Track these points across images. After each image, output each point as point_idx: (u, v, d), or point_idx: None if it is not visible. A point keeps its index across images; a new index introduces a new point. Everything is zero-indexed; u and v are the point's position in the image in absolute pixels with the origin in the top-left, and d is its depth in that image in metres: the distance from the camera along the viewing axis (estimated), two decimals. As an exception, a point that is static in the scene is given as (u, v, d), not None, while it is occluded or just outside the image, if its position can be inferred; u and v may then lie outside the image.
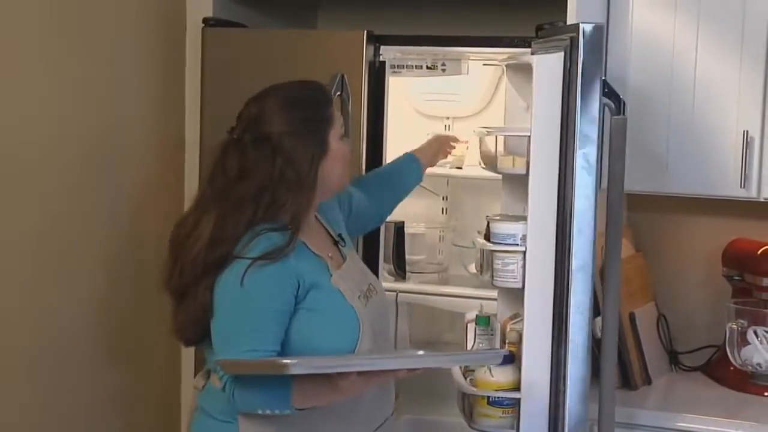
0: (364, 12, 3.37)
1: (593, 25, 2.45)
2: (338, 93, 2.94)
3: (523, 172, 2.49)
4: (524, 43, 2.91)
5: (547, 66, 2.44)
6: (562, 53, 2.45)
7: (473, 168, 3.44)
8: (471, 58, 3.31)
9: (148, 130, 3.25)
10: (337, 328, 2.33)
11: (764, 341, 3.06)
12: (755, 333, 3.06)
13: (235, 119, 2.41)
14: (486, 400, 2.53)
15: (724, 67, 3.04)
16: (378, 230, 3.05)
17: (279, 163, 2.31)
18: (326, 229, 2.53)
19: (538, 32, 2.84)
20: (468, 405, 2.65)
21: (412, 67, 3.24)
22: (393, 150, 3.08)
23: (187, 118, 3.34)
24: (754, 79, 3.02)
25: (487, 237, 2.60)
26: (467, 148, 3.45)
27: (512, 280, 2.49)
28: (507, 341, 2.59)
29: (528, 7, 2.92)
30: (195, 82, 3.24)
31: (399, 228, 3.31)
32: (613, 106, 2.52)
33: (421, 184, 3.15)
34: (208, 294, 2.30)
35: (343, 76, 2.95)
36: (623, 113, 2.57)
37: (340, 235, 2.54)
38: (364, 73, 2.99)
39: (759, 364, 3.06)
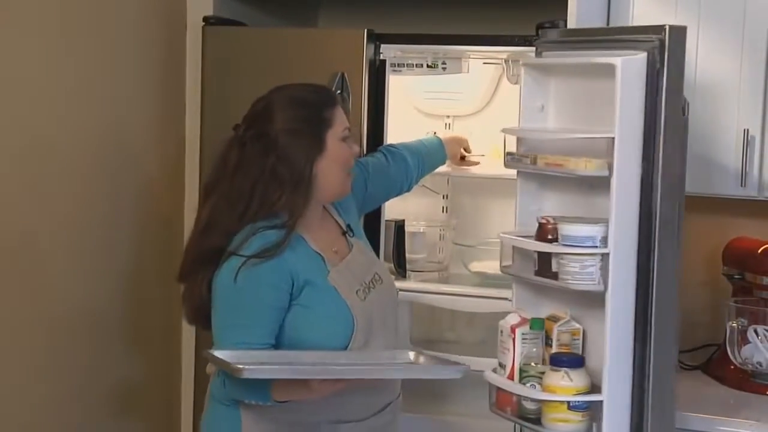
0: (364, 10, 3.37)
1: (678, 26, 2.50)
2: (339, 91, 2.94)
3: (602, 173, 2.49)
4: (525, 41, 2.91)
5: (633, 67, 2.47)
6: (645, 54, 2.48)
7: (473, 167, 3.44)
8: (471, 56, 3.31)
9: (149, 127, 3.25)
10: (330, 326, 2.40)
11: (764, 340, 3.05)
12: (755, 332, 3.06)
13: (242, 118, 2.47)
14: (567, 405, 2.53)
15: (725, 66, 3.04)
16: (378, 228, 3.06)
17: (272, 159, 2.37)
18: (335, 219, 2.57)
19: (538, 31, 2.84)
20: (528, 411, 2.63)
21: (413, 66, 3.24)
22: (393, 148, 3.08)
23: (187, 117, 3.34)
24: (754, 78, 3.02)
25: (542, 238, 2.60)
26: (483, 155, 3.44)
27: (591, 282, 2.50)
28: (559, 343, 2.59)
29: (528, 5, 2.92)
30: (195, 81, 3.25)
31: (399, 226, 3.31)
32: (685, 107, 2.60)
33: (422, 183, 3.16)
34: (205, 287, 2.40)
35: (343, 75, 2.96)
36: (686, 114, 2.62)
37: (348, 225, 2.58)
38: (365, 72, 3.00)
39: (759, 363, 3.06)
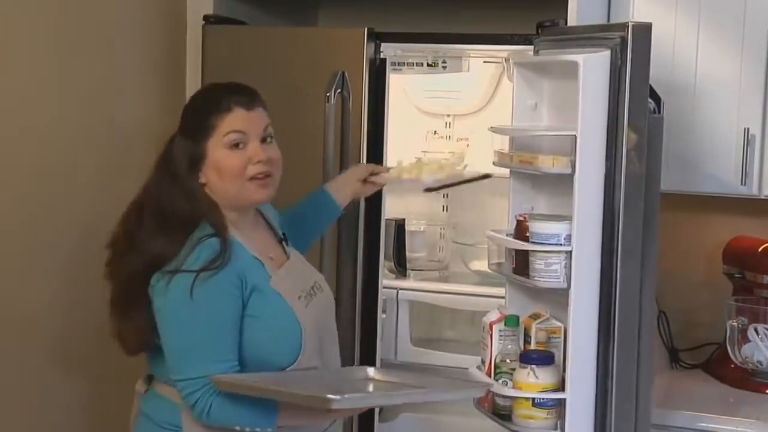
0: (364, 9, 3.36)
1: (642, 23, 2.48)
2: (339, 90, 2.94)
3: (566, 171, 2.49)
4: (525, 40, 2.91)
5: (596, 65, 2.45)
6: (609, 52, 2.47)
7: (473, 166, 3.44)
8: (472, 55, 3.31)
9: (149, 127, 3.25)
10: (280, 334, 2.31)
11: (765, 339, 3.06)
12: (756, 330, 3.07)
13: None
14: (531, 402, 2.54)
15: (725, 65, 3.04)
16: (379, 227, 3.05)
17: (161, 169, 2.38)
18: (271, 227, 2.50)
19: (538, 30, 2.84)
20: (499, 407, 2.63)
21: (413, 65, 3.24)
22: (393, 147, 3.07)
23: (187, 116, 3.34)
24: (754, 77, 3.02)
25: (520, 236, 2.60)
26: (467, 146, 3.45)
27: (555, 280, 2.50)
28: (536, 341, 2.59)
29: (528, 4, 2.92)
30: (195, 80, 3.24)
31: (400, 225, 3.31)
32: (654, 105, 2.56)
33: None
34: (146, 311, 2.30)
35: (343, 74, 2.95)
36: (660, 112, 2.60)
37: (284, 234, 2.52)
38: (365, 71, 2.99)
39: (759, 362, 3.06)
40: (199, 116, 2.36)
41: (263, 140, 2.37)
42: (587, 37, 2.61)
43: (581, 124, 2.47)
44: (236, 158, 2.33)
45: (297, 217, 2.68)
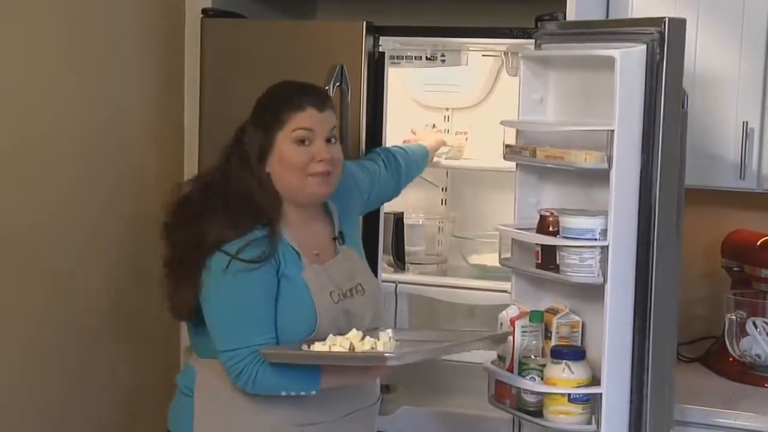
0: (363, 3, 3.35)
1: (677, 18, 2.51)
2: (338, 84, 2.93)
3: (601, 166, 2.49)
4: (524, 34, 2.90)
5: (631, 60, 2.47)
6: (645, 47, 2.48)
7: (473, 159, 3.44)
8: (470, 48, 3.30)
9: (148, 120, 3.25)
10: (293, 321, 2.41)
11: (763, 332, 3.06)
12: (754, 324, 3.07)
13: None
14: (567, 398, 2.54)
15: (724, 59, 3.04)
16: (377, 221, 3.05)
17: (235, 158, 2.48)
18: (332, 223, 2.58)
19: (537, 23, 2.84)
20: (527, 403, 2.63)
21: (412, 58, 3.24)
22: (392, 141, 3.08)
23: (186, 110, 3.34)
24: (753, 71, 3.02)
25: (544, 231, 2.60)
26: (466, 139, 3.44)
27: (590, 275, 2.51)
28: (559, 336, 2.60)
29: (527, -2, 2.92)
30: (194, 73, 3.24)
31: (398, 219, 3.31)
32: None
33: (421, 175, 3.16)
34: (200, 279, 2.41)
35: (342, 67, 2.95)
36: (685, 106, 2.63)
37: (341, 233, 2.58)
38: (364, 64, 2.99)
39: (758, 355, 3.06)
40: (273, 110, 2.48)
41: (328, 140, 2.49)
42: (602, 32, 2.64)
43: (618, 118, 2.48)
44: (301, 154, 2.44)
45: (406, 160, 2.95)
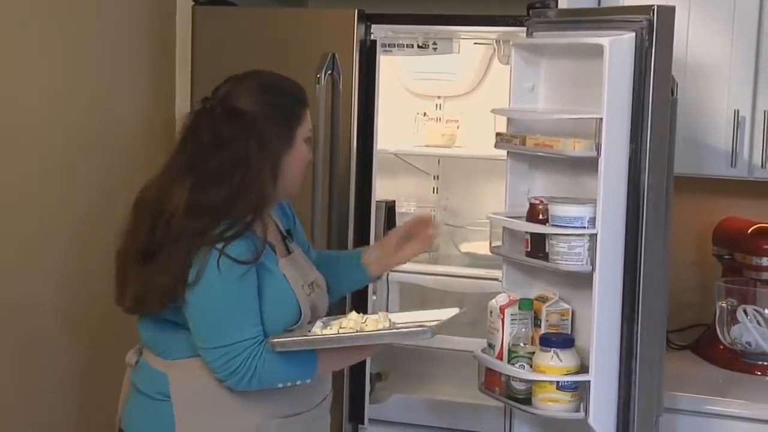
0: (354, -9, 3.35)
1: (665, 6, 2.51)
2: (329, 72, 2.93)
3: (589, 154, 2.49)
4: (516, 22, 2.90)
5: (621, 47, 2.47)
6: (633, 35, 2.48)
7: (464, 148, 3.44)
8: (462, 36, 3.30)
9: (139, 108, 3.25)
10: (278, 313, 2.35)
11: (754, 320, 3.07)
12: (745, 312, 3.08)
13: (212, 92, 2.41)
14: (555, 386, 2.55)
15: (715, 47, 3.04)
16: (368, 209, 3.05)
17: (253, 142, 2.31)
18: (275, 223, 2.51)
19: (529, 11, 2.83)
20: (516, 391, 2.64)
21: (404, 46, 3.23)
22: (383, 129, 3.07)
23: (177, 97, 3.34)
24: (744, 59, 3.02)
25: (534, 219, 2.60)
26: (458, 127, 3.44)
27: (579, 263, 2.51)
28: (549, 324, 2.60)
29: (519, -14, 2.91)
30: (185, 61, 3.24)
31: (390, 207, 3.31)
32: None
33: (413, 163, 3.15)
34: (185, 270, 2.26)
35: (334, 55, 2.95)
36: (675, 94, 2.63)
37: (288, 231, 2.54)
38: (355, 52, 2.98)
39: (748, 343, 3.07)
40: (288, 102, 2.41)
41: None
42: (593, 20, 2.64)
43: (607, 106, 2.48)
44: (309, 151, 2.45)
45: (327, 261, 2.67)
